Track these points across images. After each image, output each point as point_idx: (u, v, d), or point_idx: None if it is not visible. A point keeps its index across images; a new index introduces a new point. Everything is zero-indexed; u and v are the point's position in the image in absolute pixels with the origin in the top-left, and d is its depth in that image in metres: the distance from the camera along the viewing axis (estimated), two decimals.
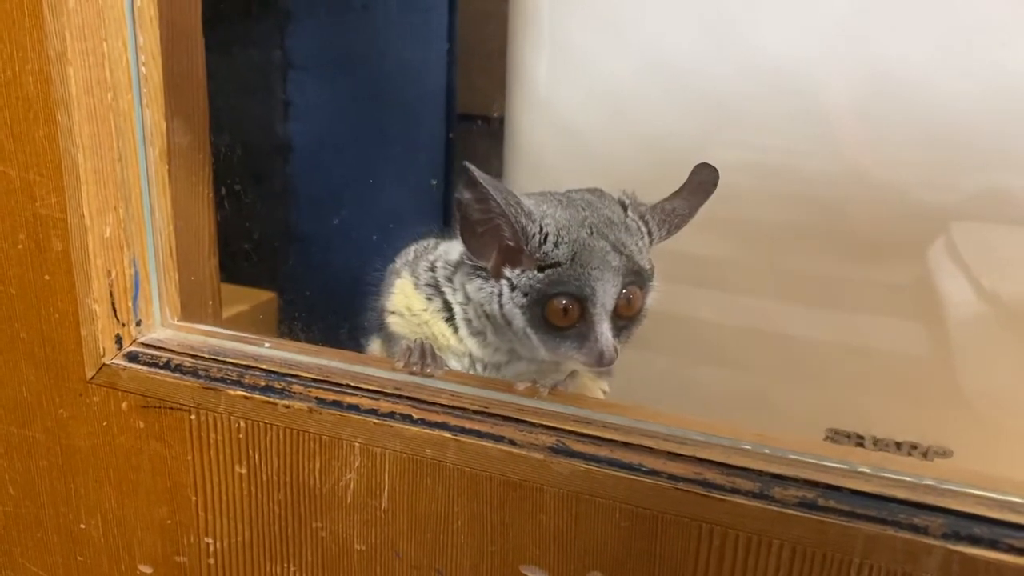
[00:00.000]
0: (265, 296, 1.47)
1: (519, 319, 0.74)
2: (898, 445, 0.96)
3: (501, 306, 0.74)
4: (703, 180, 0.76)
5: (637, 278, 0.73)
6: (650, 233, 0.76)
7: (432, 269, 0.82)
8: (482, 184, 0.69)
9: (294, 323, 1.39)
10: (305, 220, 1.52)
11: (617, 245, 0.73)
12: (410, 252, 0.87)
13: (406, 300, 0.82)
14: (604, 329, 0.71)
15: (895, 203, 1.04)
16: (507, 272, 0.74)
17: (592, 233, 0.72)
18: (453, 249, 0.81)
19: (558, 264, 0.71)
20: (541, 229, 0.72)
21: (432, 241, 0.85)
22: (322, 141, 1.49)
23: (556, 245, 0.72)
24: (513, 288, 0.73)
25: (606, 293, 0.71)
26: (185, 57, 0.84)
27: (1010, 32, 0.97)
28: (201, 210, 0.90)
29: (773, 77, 1.05)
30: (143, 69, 0.74)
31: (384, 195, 1.51)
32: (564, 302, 0.71)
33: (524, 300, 0.73)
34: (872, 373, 1.11)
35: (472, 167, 0.70)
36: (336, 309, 1.11)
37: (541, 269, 0.72)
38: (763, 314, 1.15)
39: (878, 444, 0.95)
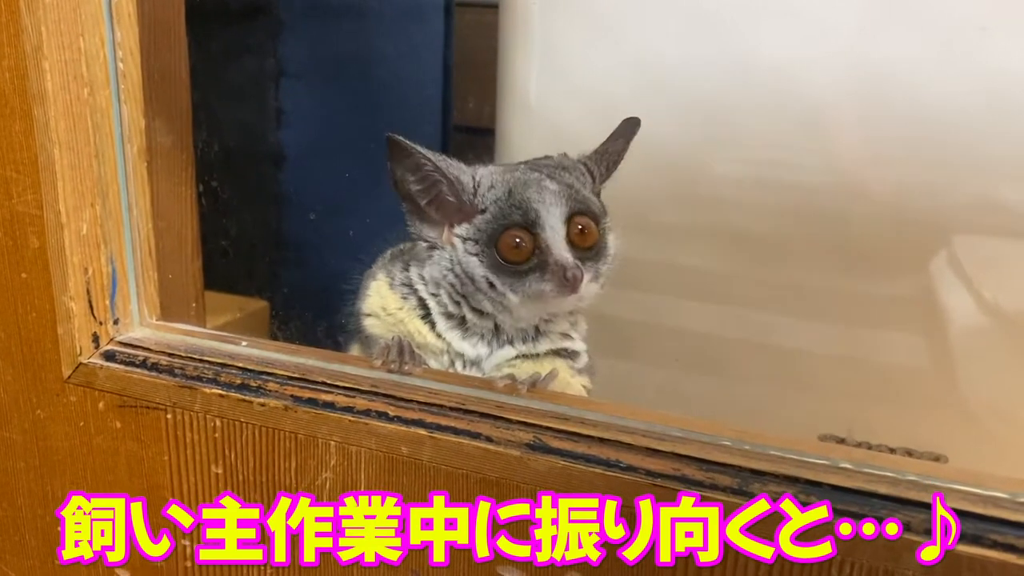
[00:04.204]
0: (257, 305, 1.46)
1: (477, 268, 0.75)
2: (892, 451, 0.95)
3: (459, 265, 0.76)
4: (628, 128, 0.82)
5: (584, 207, 0.75)
6: (591, 172, 0.79)
7: (407, 268, 0.82)
8: (408, 147, 0.73)
9: (285, 331, 1.38)
10: (297, 228, 1.51)
11: (554, 175, 0.76)
12: (386, 256, 0.87)
13: (381, 300, 0.82)
14: (560, 249, 0.72)
15: (895, 211, 1.03)
16: (456, 231, 0.76)
17: (527, 170, 0.76)
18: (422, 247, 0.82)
19: (497, 201, 0.74)
20: (474, 178, 0.76)
21: (408, 244, 0.85)
22: (315, 149, 1.49)
23: (492, 187, 0.75)
24: (464, 241, 0.75)
25: (550, 214, 0.73)
26: (167, 55, 0.83)
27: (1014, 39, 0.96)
28: (183, 211, 0.90)
29: (767, 85, 1.05)
30: (121, 65, 0.74)
31: (378, 204, 1.50)
32: (514, 234, 0.73)
33: (476, 248, 0.75)
34: (874, 383, 1.10)
35: (397, 136, 0.73)
36: (327, 318, 1.10)
37: (483, 212, 0.75)
38: (765, 327, 1.13)
39: (872, 449, 0.94)
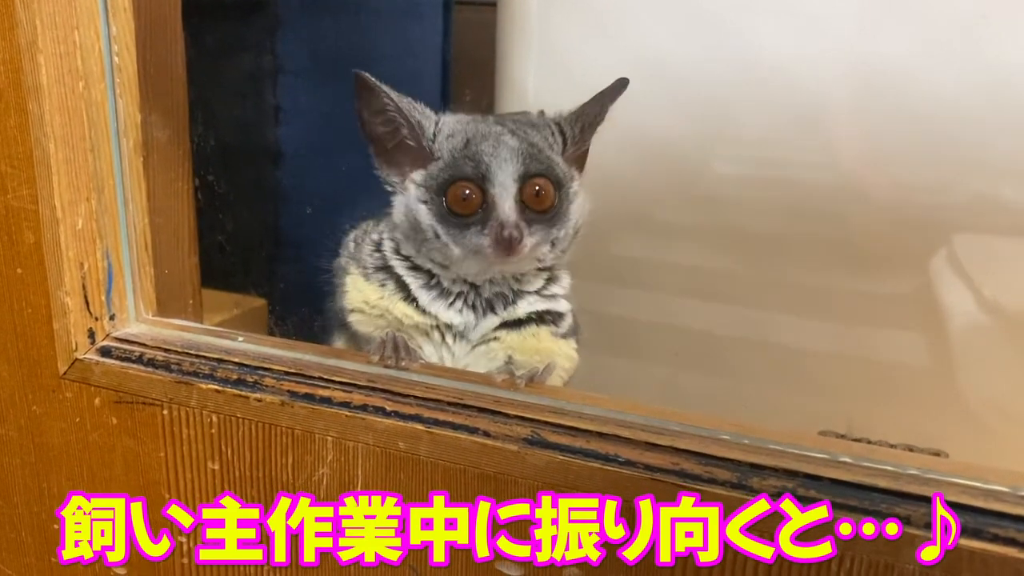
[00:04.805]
0: (255, 302, 1.46)
1: (425, 216, 0.74)
2: (892, 446, 0.95)
3: (411, 211, 0.75)
4: (614, 87, 0.77)
5: (543, 169, 0.73)
6: (563, 133, 0.76)
7: (378, 248, 0.81)
8: (374, 86, 0.72)
9: (283, 328, 1.37)
10: (295, 225, 1.50)
11: (517, 132, 0.74)
12: (350, 243, 0.86)
13: (361, 294, 0.81)
14: (505, 208, 0.71)
15: (895, 208, 1.03)
16: (412, 176, 0.76)
17: (492, 123, 0.75)
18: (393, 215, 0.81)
19: (453, 150, 0.73)
20: (437, 124, 0.75)
21: (370, 223, 0.84)
22: (313, 146, 1.48)
23: (451, 135, 0.74)
24: (417, 187, 0.75)
25: (502, 171, 0.71)
26: (163, 50, 0.83)
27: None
28: (180, 206, 0.89)
29: (766, 82, 1.04)
30: (116, 59, 0.73)
31: (377, 201, 1.50)
32: (463, 186, 0.72)
33: (426, 195, 0.74)
34: (874, 381, 1.09)
35: (364, 74, 0.72)
36: (325, 314, 1.10)
37: (438, 159, 0.74)
38: (765, 324, 1.13)
39: (872, 445, 0.93)
